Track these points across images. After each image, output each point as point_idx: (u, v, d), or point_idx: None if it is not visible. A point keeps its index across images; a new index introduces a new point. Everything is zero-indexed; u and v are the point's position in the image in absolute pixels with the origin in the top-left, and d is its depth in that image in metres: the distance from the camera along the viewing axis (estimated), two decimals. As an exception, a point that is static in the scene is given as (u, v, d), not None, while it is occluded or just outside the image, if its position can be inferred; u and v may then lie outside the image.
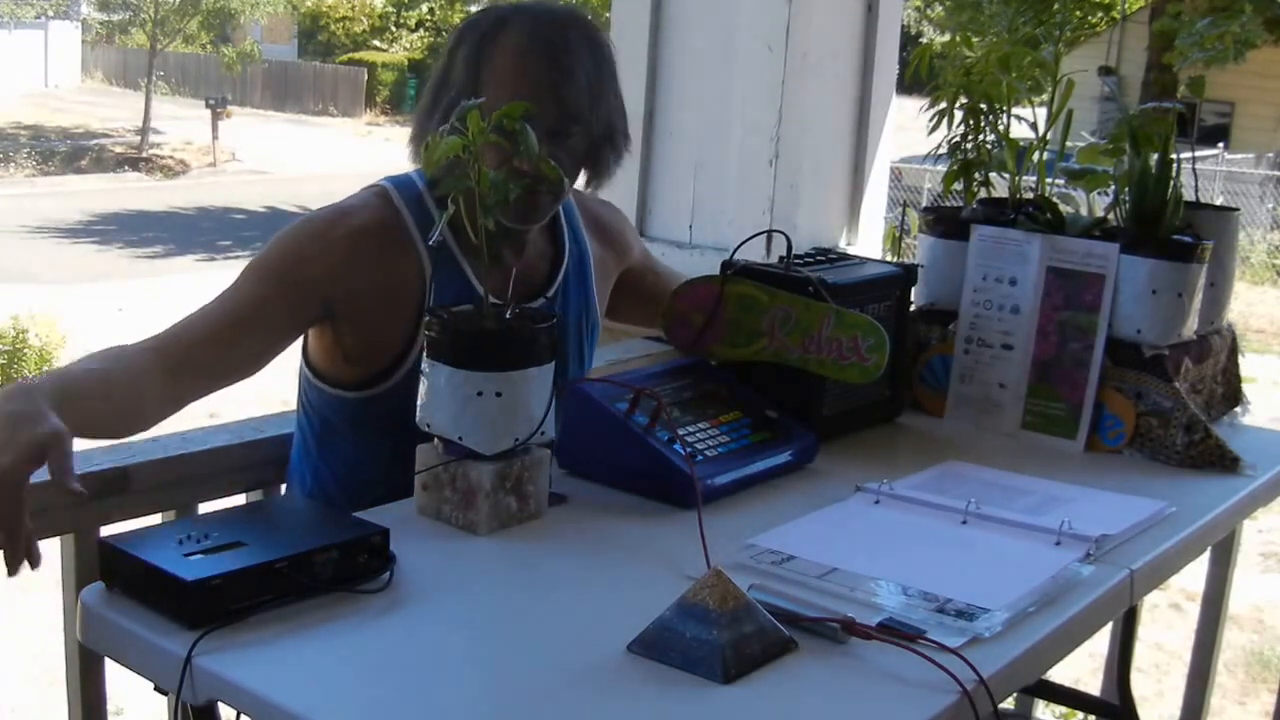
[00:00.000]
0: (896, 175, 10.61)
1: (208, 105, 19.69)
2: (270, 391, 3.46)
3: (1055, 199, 1.91)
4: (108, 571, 1.16)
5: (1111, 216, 1.87)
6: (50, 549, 1.52)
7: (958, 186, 1.97)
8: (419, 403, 1.34)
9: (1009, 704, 2.28)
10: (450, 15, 27.52)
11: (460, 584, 1.24)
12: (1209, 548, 1.90)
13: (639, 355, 2.08)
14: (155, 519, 1.57)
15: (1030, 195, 1.94)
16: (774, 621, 1.12)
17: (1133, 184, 1.80)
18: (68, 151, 20.10)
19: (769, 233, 1.91)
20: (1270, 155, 16.00)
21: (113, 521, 1.51)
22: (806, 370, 1.64)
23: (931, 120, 1.94)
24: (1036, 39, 1.90)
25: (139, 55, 25.37)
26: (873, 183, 2.61)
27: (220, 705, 1.09)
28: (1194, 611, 2.52)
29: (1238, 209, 1.98)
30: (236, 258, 13.90)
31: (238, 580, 1.10)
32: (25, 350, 8.91)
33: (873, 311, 1.70)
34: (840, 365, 1.62)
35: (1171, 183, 1.78)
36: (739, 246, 1.73)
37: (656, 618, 1.10)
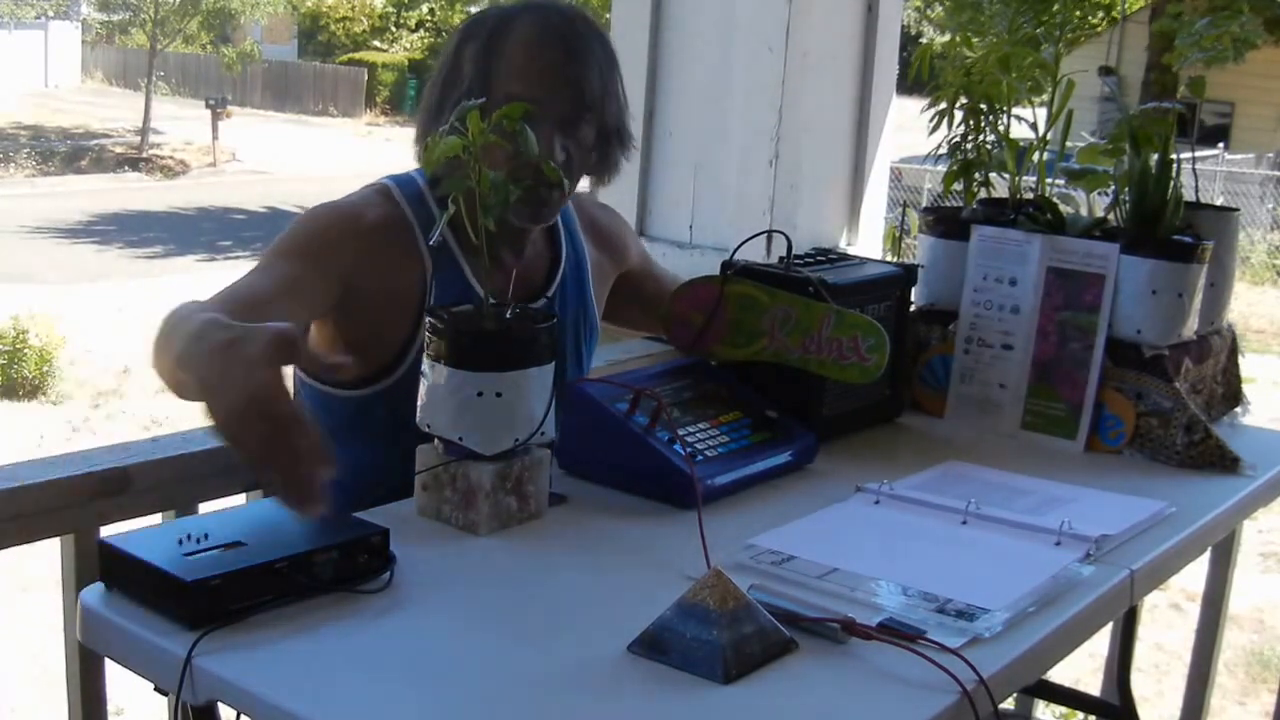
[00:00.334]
0: (896, 175, 10.61)
1: (208, 105, 19.70)
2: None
3: (1055, 199, 1.91)
4: (108, 572, 1.16)
5: (1111, 216, 1.87)
6: (50, 549, 1.53)
7: (958, 187, 1.97)
8: (419, 403, 1.34)
9: (1009, 704, 2.29)
10: (450, 15, 27.52)
11: (460, 584, 1.24)
12: (1209, 548, 1.91)
13: (639, 355, 2.08)
14: (155, 519, 1.57)
15: (1030, 195, 1.94)
16: (774, 622, 1.12)
17: (1133, 184, 1.80)
18: (68, 151, 20.10)
19: (769, 233, 1.91)
20: (1270, 155, 16.00)
21: (113, 521, 1.51)
22: (806, 370, 1.64)
23: (931, 120, 1.94)
24: (1036, 39, 1.90)
25: (139, 55, 25.38)
26: (873, 183, 2.61)
27: (220, 705, 1.09)
28: (1194, 611, 2.52)
29: (1238, 209, 1.98)
30: (236, 258, 13.91)
31: (238, 580, 1.10)
32: (25, 350, 8.91)
33: (873, 312, 1.70)
34: (840, 365, 1.62)
35: (1171, 183, 1.78)
36: (739, 247, 1.73)
37: (656, 618, 1.10)
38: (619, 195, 2.34)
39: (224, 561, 1.12)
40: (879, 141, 2.59)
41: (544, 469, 1.39)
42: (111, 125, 22.04)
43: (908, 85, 2.51)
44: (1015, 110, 1.92)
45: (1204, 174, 12.11)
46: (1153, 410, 1.74)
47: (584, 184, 1.73)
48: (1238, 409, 1.95)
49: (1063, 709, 3.24)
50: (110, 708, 1.58)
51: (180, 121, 21.75)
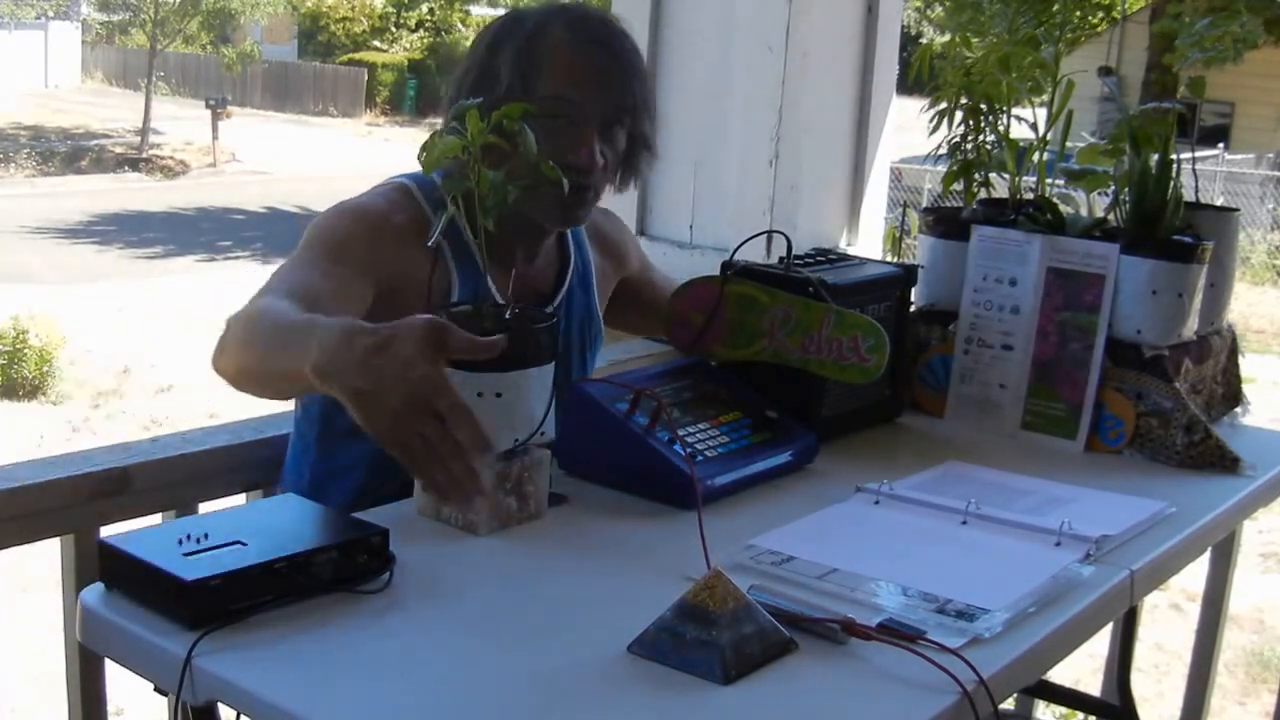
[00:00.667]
0: (896, 175, 10.61)
1: (208, 105, 19.70)
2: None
3: (1055, 199, 1.91)
4: (108, 572, 1.16)
5: (1111, 217, 1.87)
6: (50, 549, 1.53)
7: (958, 187, 1.97)
8: (420, 403, 1.34)
9: (1009, 704, 2.28)
10: (450, 15, 27.53)
11: (460, 584, 1.24)
12: (1209, 548, 1.91)
13: (639, 356, 2.08)
14: (155, 519, 1.57)
15: (1030, 196, 1.94)
16: (774, 622, 1.12)
17: (1133, 184, 1.80)
18: (68, 152, 20.10)
19: (769, 233, 1.91)
20: (1270, 155, 16.00)
21: (113, 521, 1.51)
22: (806, 371, 1.64)
23: (932, 121, 1.94)
24: (1036, 39, 1.90)
25: (139, 55, 25.38)
26: (873, 183, 2.61)
27: (220, 705, 1.09)
28: (1194, 611, 2.52)
29: (1238, 209, 1.98)
30: (236, 258, 13.91)
31: (237, 580, 1.10)
32: (25, 350, 8.91)
33: (873, 312, 1.70)
34: (840, 366, 1.62)
35: (1171, 183, 1.78)
36: (739, 247, 1.73)
37: (656, 618, 1.10)
38: (619, 195, 2.33)
39: (224, 561, 1.12)
40: (879, 141, 2.59)
41: (544, 469, 1.39)
42: (111, 125, 22.04)
43: (908, 85, 2.52)
44: (1015, 110, 1.92)
45: (1204, 174, 12.10)
46: (1153, 410, 1.74)
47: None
48: (1238, 409, 1.95)
49: (1063, 709, 3.24)
50: (110, 708, 1.58)
51: (180, 122, 21.75)
